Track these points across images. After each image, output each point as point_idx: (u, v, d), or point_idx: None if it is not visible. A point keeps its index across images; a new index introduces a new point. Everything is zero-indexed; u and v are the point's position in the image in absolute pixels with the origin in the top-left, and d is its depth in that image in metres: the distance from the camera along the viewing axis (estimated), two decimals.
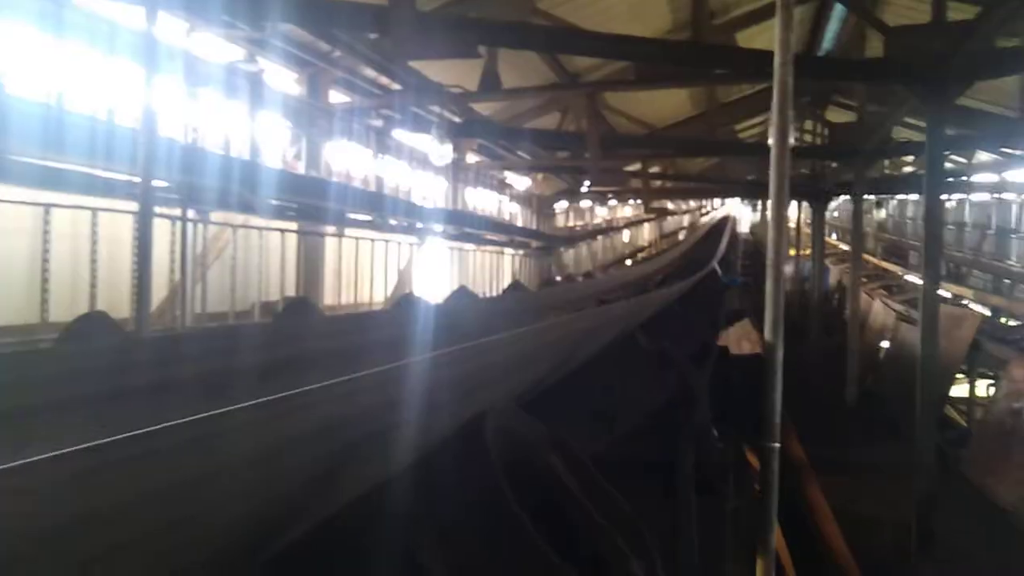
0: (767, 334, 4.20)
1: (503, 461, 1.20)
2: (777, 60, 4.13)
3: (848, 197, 17.49)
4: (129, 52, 6.45)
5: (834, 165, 16.28)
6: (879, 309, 15.34)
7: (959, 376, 11.41)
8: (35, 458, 1.07)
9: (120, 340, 3.73)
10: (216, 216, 7.50)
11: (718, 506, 3.80)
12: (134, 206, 6.45)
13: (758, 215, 39.36)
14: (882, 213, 29.88)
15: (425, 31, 4.80)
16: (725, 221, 34.29)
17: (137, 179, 5.90)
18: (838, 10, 11.70)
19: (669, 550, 2.57)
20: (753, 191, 24.18)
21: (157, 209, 6.11)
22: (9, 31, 5.77)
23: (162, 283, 7.01)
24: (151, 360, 3.01)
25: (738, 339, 7.46)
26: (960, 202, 22.77)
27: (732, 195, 30.35)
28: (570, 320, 3.17)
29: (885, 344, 14.18)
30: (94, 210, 6.42)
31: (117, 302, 7.02)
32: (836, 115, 16.80)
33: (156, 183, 5.83)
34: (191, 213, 7.02)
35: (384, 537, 1.15)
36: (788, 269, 19.04)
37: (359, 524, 1.17)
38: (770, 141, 8.35)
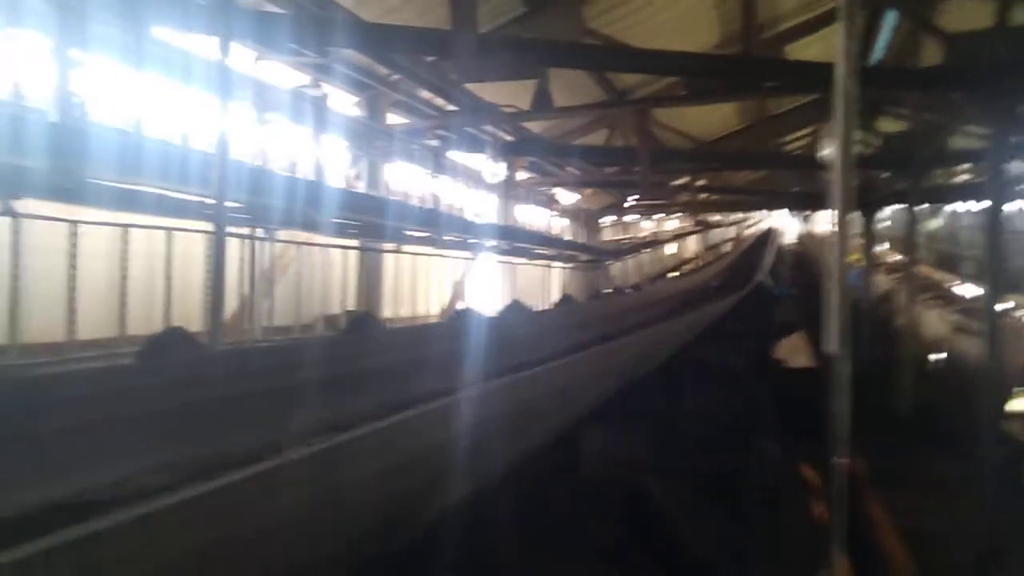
0: (833, 347, 4.21)
1: (599, 480, 1.31)
2: (841, 71, 4.15)
3: (900, 206, 17.14)
4: (202, 80, 6.78)
5: (885, 175, 15.99)
6: (933, 319, 14.98)
7: (1018, 389, 11.05)
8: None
9: (202, 353, 3.95)
10: (282, 234, 7.80)
11: (779, 521, 3.83)
12: (206, 225, 6.77)
13: (804, 226, 38.74)
14: (935, 222, 29.14)
15: (485, 54, 4.97)
16: (771, 233, 33.87)
17: (210, 200, 6.21)
18: (890, 18, 11.57)
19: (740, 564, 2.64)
20: (799, 202, 23.87)
21: (228, 228, 6.39)
22: (93, 62, 6.12)
23: (232, 298, 7.31)
24: (240, 372, 3.20)
25: (791, 351, 7.43)
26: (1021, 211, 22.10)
27: (778, 207, 29.95)
28: (636, 337, 3.24)
29: (939, 355, 13.82)
30: (168, 229, 6.73)
31: (189, 316, 7.34)
32: (888, 124, 16.53)
33: (228, 204, 6.10)
34: (259, 231, 7.32)
35: (482, 549, 1.25)
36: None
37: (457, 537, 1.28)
38: (824, 153, 8.32)
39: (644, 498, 1.37)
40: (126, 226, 6.43)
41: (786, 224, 40.15)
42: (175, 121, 6.97)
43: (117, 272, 6.62)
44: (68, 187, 5.16)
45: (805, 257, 27.48)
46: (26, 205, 5.32)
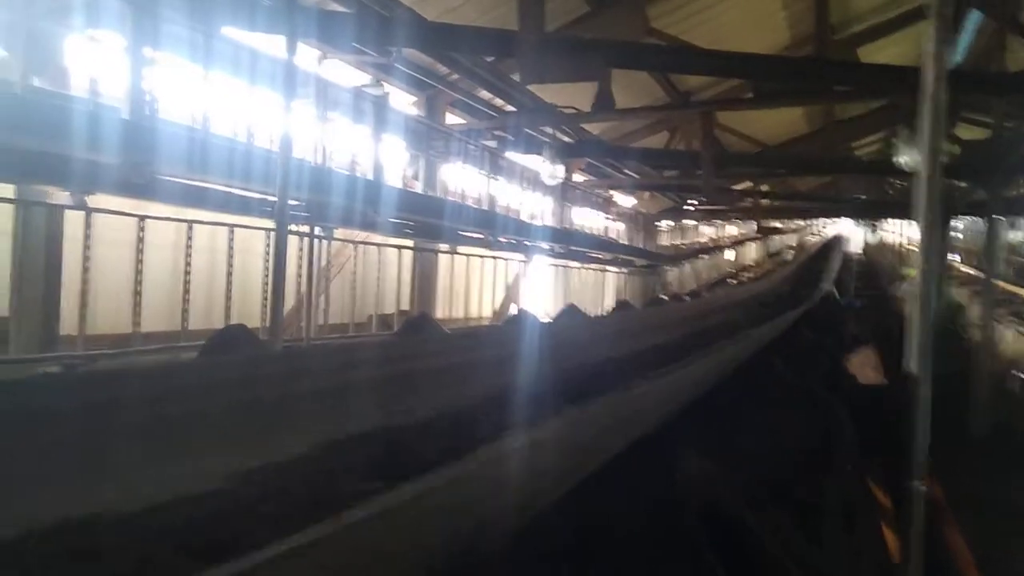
0: (913, 366, 3.97)
1: (696, 504, 1.20)
2: (930, 75, 3.92)
3: (974, 217, 16.37)
4: (267, 78, 6.86)
5: (962, 184, 15.30)
6: (1010, 336, 14.23)
7: None
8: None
9: (268, 351, 3.96)
10: (339, 232, 7.86)
11: (855, 548, 3.62)
12: (267, 223, 6.85)
13: (871, 235, 37.47)
14: (1016, 234, 27.78)
15: (551, 55, 4.88)
16: (836, 241, 32.85)
17: (272, 197, 6.27)
18: (974, 18, 11.02)
19: None
20: (866, 211, 23.08)
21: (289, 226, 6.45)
22: (164, 60, 6.24)
23: (288, 294, 7.38)
24: (309, 369, 3.16)
25: (861, 367, 7.11)
26: None
27: (844, 215, 29.01)
28: (710, 355, 3.09)
29: (1018, 373, 13.11)
30: (231, 226, 6.83)
31: (248, 311, 7.45)
32: (966, 131, 15.81)
33: (290, 201, 6.15)
34: (317, 229, 7.37)
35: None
36: (902, 289, 18.02)
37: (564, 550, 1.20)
38: (902, 160, 7.92)
39: (727, 521, 1.29)
40: (190, 222, 6.53)
41: (851, 232, 38.95)
42: (240, 118, 7.07)
43: (177, 265, 6.76)
44: (138, 183, 5.27)
45: (872, 268, 26.53)
46: (96, 199, 5.45)
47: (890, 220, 24.43)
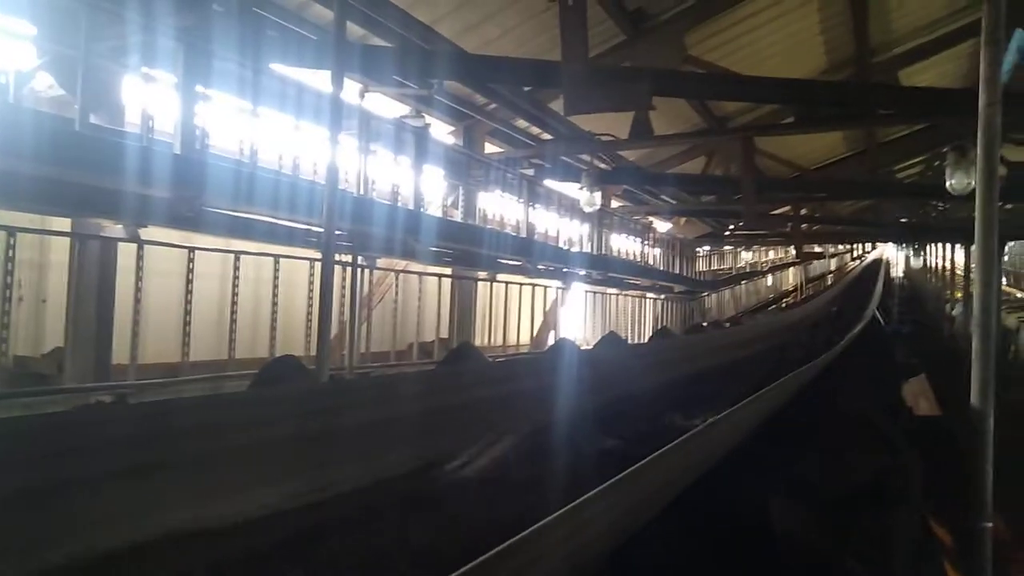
0: (974, 399, 3.83)
1: (790, 546, 1.15)
2: (983, 100, 3.83)
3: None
4: (312, 112, 7.00)
5: (1008, 207, 14.94)
6: None
7: None
8: None
9: (326, 383, 3.98)
10: (381, 262, 7.93)
11: None
12: (311, 252, 6.95)
13: (913, 259, 36.63)
14: None
15: (595, 85, 4.89)
16: (878, 264, 32.21)
17: (316, 228, 6.37)
18: (1018, 39, 10.83)
19: None
20: (908, 234, 22.60)
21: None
22: (214, 96, 6.41)
23: (332, 323, 7.45)
24: (367, 400, 3.18)
25: (915, 396, 6.89)
26: None
27: (884, 238, 28.49)
28: (769, 390, 3.01)
29: None
30: (277, 256, 6.93)
31: (291, 340, 7.54)
32: (1011, 152, 15.46)
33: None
34: (360, 259, 7.46)
35: None
36: (952, 312, 17.52)
37: None
38: (950, 183, 7.75)
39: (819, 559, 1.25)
40: (237, 252, 6.64)
41: (893, 256, 38.18)
42: (286, 151, 7.22)
43: (223, 296, 6.86)
44: (188, 215, 5.39)
45: (916, 292, 25.93)
46: (147, 232, 5.59)
47: (933, 243, 23.91)
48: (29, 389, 5.19)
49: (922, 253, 28.13)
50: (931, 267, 24.79)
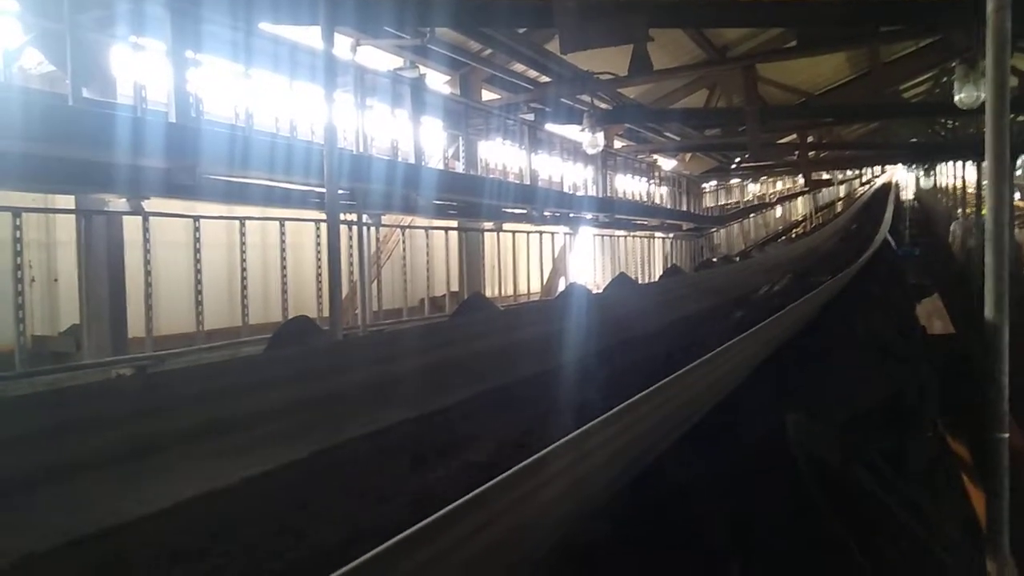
0: (988, 312, 3.82)
1: (806, 463, 1.17)
2: (991, 5, 3.72)
3: None
4: (306, 71, 6.89)
5: (1020, 118, 14.63)
6: None
7: None
8: None
9: (341, 341, 4.02)
10: (385, 218, 7.90)
11: (938, 502, 3.52)
12: (315, 214, 6.93)
13: (923, 180, 36.14)
14: None
15: (591, 20, 4.77)
16: (887, 188, 31.83)
17: (318, 189, 6.34)
18: None
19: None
20: (918, 154, 22.25)
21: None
22: (206, 62, 6.32)
23: (341, 283, 7.46)
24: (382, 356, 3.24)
25: (928, 316, 6.88)
26: None
27: (894, 161, 28.06)
28: (782, 315, 3.02)
29: None
30: (282, 220, 6.91)
31: (302, 303, 7.57)
32: (1021, 62, 15.05)
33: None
34: (364, 217, 7.43)
35: (697, 531, 1.16)
36: (957, 230, 17.31)
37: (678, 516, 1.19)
38: (959, 97, 7.57)
39: (843, 476, 1.28)
40: (242, 219, 6.63)
41: (903, 178, 37.66)
42: (282, 112, 7.14)
43: (231, 263, 6.88)
44: (188, 184, 5.37)
45: (927, 214, 25.65)
46: (150, 203, 5.57)
47: (944, 162, 23.54)
48: (51, 367, 5.27)
49: (932, 173, 27.73)
50: (942, 187, 24.46)
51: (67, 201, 5.72)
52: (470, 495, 1.09)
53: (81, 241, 5.47)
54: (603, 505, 1.25)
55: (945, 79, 15.98)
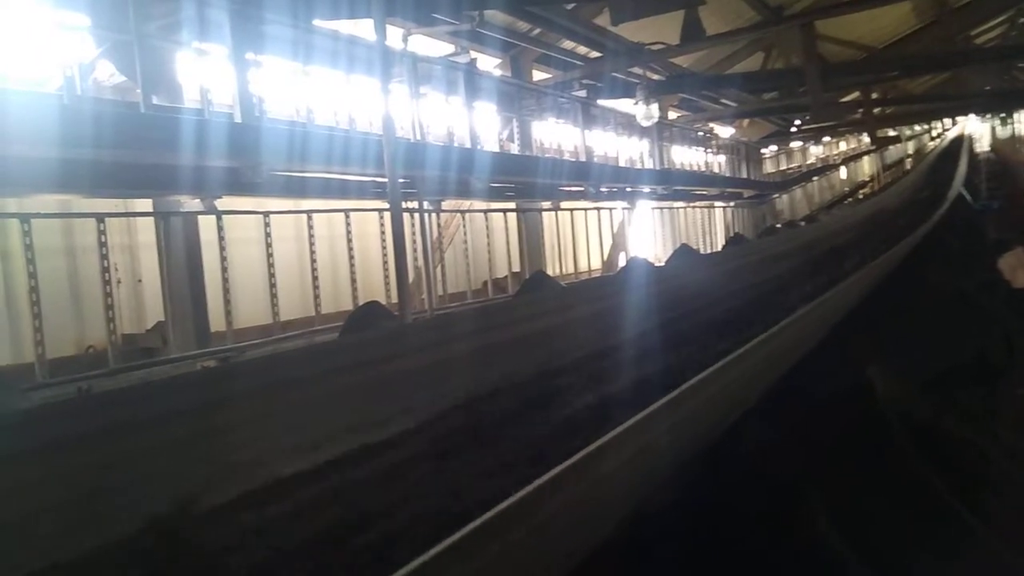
0: None
1: (899, 419, 1.17)
2: None
3: None
4: (363, 64, 7.01)
5: None
6: None
7: None
8: None
9: (407, 324, 4.13)
10: (446, 204, 8.01)
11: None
12: (377, 203, 7.07)
13: (1000, 129, 34.27)
14: None
15: None
16: (960, 141, 30.35)
17: (378, 179, 6.47)
18: None
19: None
20: (993, 103, 21.10)
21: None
22: (266, 62, 6.49)
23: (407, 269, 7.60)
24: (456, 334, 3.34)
25: (1012, 270, 6.57)
26: None
27: (966, 112, 26.71)
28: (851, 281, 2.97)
29: None
30: (347, 211, 7.08)
31: (370, 291, 7.75)
32: None
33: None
34: (425, 204, 7.54)
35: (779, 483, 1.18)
36: None
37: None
38: None
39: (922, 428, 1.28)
40: (309, 212, 6.81)
41: (976, 130, 35.80)
42: (340, 106, 7.29)
43: (301, 256, 7.08)
44: (257, 181, 5.56)
45: (1004, 165, 24.35)
46: (223, 202, 5.80)
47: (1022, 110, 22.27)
48: (142, 362, 5.56)
49: (1009, 122, 26.27)
50: (1020, 135, 23.17)
51: (145, 205, 5.99)
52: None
53: (161, 242, 5.73)
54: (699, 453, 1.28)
55: (1022, 20, 15.08)
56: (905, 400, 1.29)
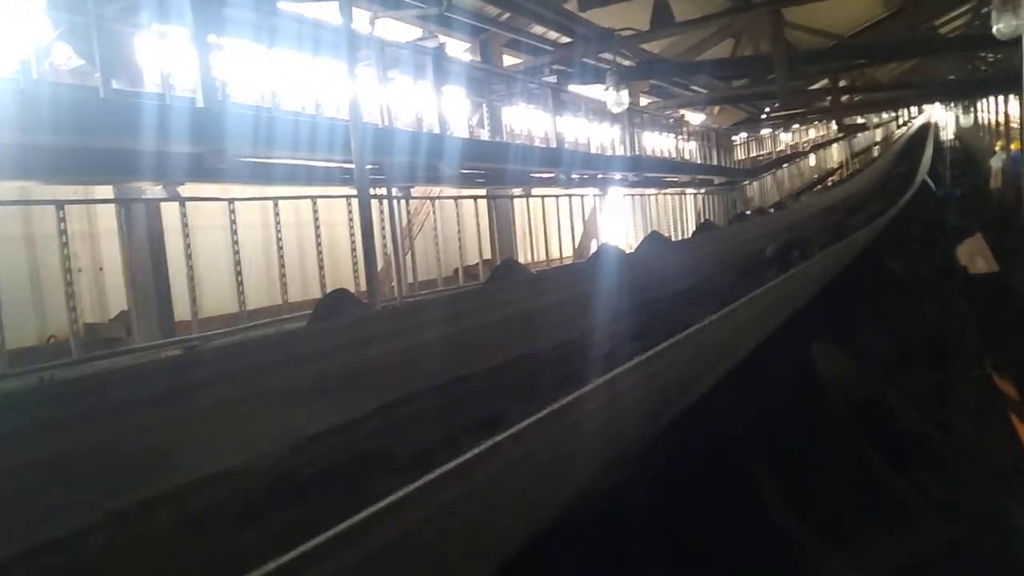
0: None
1: (841, 395, 1.19)
2: None
3: None
4: (328, 48, 6.91)
5: None
6: None
7: None
8: None
9: (378, 311, 4.10)
10: (415, 191, 7.95)
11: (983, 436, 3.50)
12: (345, 190, 7.00)
13: (964, 118, 34.92)
14: None
15: None
16: (926, 129, 30.84)
17: (346, 165, 6.40)
18: None
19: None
20: (957, 92, 21.50)
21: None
22: (229, 45, 6.38)
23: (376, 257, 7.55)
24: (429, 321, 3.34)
25: (970, 256, 6.73)
26: None
27: (931, 100, 27.14)
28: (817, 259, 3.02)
29: None
30: (314, 198, 7.00)
31: (339, 280, 7.69)
32: None
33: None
34: (394, 190, 7.48)
35: (726, 460, 1.20)
36: (996, 165, 16.70)
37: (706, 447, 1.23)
38: (998, 27, 7.30)
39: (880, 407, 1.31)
40: (275, 199, 6.72)
41: (942, 118, 36.42)
42: (306, 90, 7.20)
43: (267, 244, 7.01)
44: (220, 167, 5.47)
45: (968, 153, 24.84)
46: (186, 188, 5.69)
47: (984, 98, 22.70)
48: (105, 352, 5.47)
49: (972, 111, 26.80)
50: (983, 124, 23.63)
51: (106, 191, 5.87)
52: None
53: (123, 229, 5.63)
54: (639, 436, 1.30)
55: (984, 9, 15.34)
56: (847, 378, 1.32)
